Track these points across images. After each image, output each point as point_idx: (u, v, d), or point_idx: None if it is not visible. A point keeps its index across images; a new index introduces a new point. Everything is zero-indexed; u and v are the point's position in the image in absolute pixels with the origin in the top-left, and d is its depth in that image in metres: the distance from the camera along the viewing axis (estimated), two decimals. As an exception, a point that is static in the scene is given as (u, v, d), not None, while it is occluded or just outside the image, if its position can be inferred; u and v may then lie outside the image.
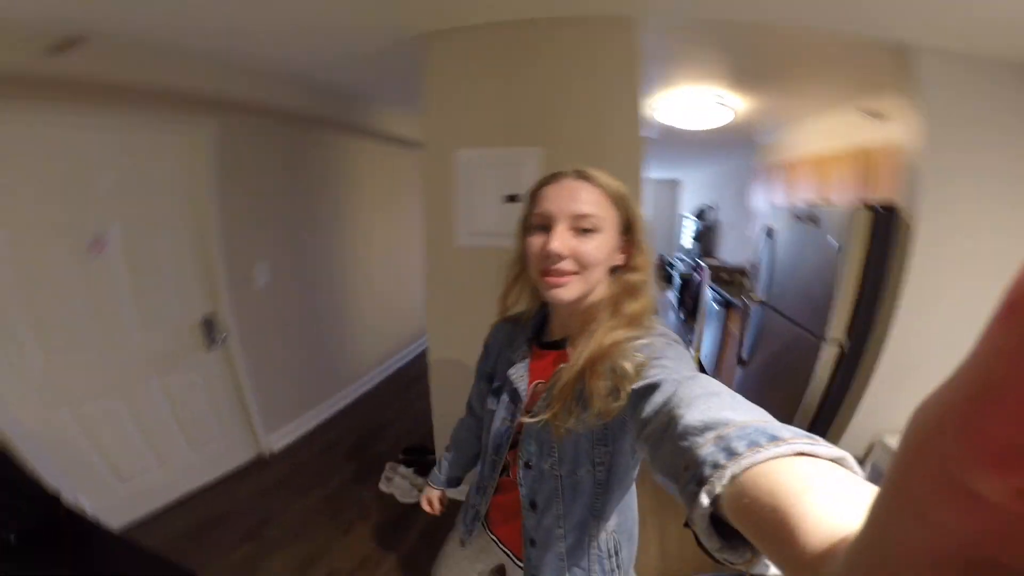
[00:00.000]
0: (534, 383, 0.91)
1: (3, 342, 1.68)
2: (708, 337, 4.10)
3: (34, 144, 1.67)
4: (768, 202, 3.60)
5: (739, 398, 0.50)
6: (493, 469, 0.98)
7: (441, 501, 1.28)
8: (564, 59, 1.70)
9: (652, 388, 0.61)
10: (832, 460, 0.37)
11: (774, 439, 0.38)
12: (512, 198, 1.77)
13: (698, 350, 4.29)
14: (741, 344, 2.81)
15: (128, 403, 2.08)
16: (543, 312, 0.97)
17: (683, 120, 2.81)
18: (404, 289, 4.28)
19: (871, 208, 1.98)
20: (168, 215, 2.14)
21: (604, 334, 0.77)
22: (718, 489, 0.38)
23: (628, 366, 0.72)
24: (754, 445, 0.38)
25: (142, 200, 2.02)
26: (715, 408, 0.46)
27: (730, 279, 4.11)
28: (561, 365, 0.82)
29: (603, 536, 0.89)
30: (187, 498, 2.32)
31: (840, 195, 2.59)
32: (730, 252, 4.84)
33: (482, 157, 1.82)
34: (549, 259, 0.77)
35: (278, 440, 2.82)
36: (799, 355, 2.20)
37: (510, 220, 1.72)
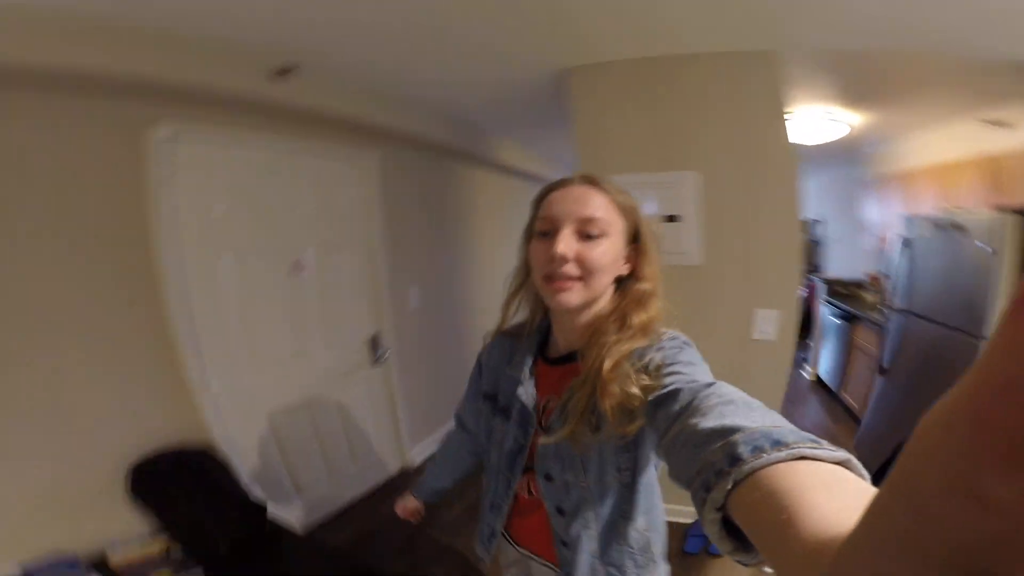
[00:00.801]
0: (545, 399, 0.91)
1: (223, 360, 1.96)
2: (826, 353, 4.06)
3: (252, 169, 1.98)
4: (885, 213, 3.60)
5: (754, 404, 0.51)
6: (508, 487, 0.98)
7: (418, 513, 1.28)
8: (711, 89, 1.89)
9: (668, 398, 0.62)
10: (836, 463, 0.38)
11: (777, 444, 0.39)
12: (671, 218, 1.96)
13: (814, 367, 4.24)
14: (881, 354, 2.82)
15: (310, 416, 2.34)
16: (545, 325, 0.96)
17: (795, 136, 2.92)
18: None
19: (1020, 213, 2.05)
20: (347, 240, 2.46)
21: (613, 346, 0.77)
22: (722, 495, 0.39)
23: (640, 378, 0.72)
24: (758, 450, 0.39)
25: (329, 225, 2.34)
26: (728, 416, 0.48)
27: (848, 292, 4.06)
28: (573, 380, 0.81)
29: (634, 535, 0.89)
30: (346, 509, 2.49)
31: (968, 202, 2.62)
32: (839, 265, 4.76)
33: (637, 181, 2.03)
34: (554, 263, 0.77)
35: (418, 454, 3.08)
36: (953, 355, 2.24)
37: (670, 238, 1.94)
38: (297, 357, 2.27)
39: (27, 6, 1.21)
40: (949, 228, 2.38)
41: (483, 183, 3.76)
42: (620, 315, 0.80)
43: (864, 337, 3.35)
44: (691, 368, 0.68)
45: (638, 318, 0.79)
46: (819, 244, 5.27)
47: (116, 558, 1.58)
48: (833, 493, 0.32)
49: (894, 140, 3.38)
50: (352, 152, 2.43)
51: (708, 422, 0.48)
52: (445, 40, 1.73)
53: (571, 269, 0.77)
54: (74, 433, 1.62)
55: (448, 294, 3.37)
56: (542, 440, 0.87)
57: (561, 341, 0.91)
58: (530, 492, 0.96)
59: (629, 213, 0.82)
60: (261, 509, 1.83)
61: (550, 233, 0.79)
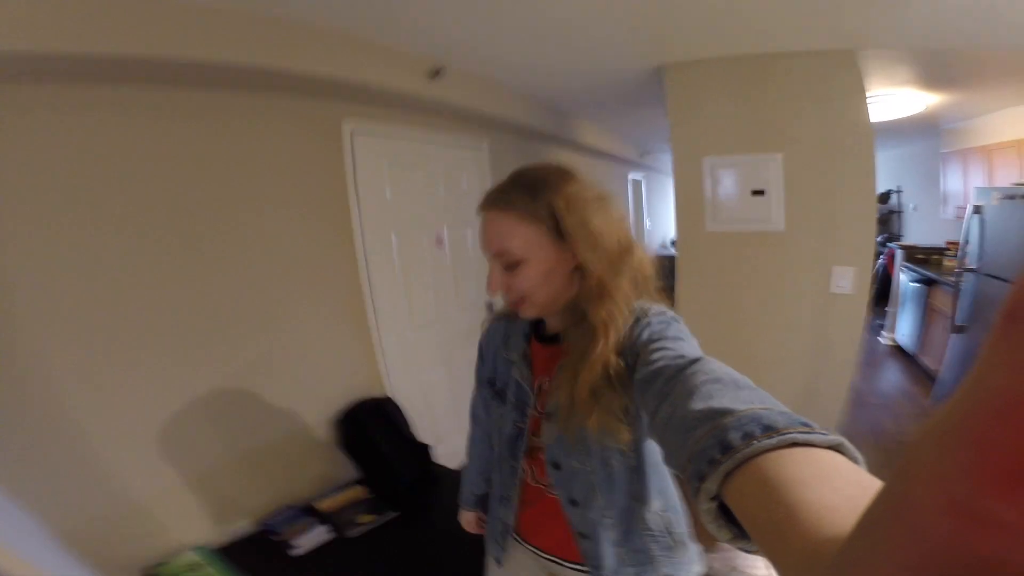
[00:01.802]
0: (539, 380, 0.92)
1: (392, 322, 2.49)
2: (905, 318, 4.30)
3: (407, 158, 2.50)
4: (963, 184, 3.80)
5: (742, 381, 0.50)
6: (512, 475, 0.97)
7: (480, 520, 1.27)
8: (798, 83, 2.24)
9: (655, 375, 0.62)
10: (828, 447, 0.37)
11: (768, 429, 0.38)
12: (758, 192, 2.34)
13: (892, 333, 4.46)
14: (954, 314, 3.09)
15: (448, 372, 2.85)
16: None
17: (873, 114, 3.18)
18: None
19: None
20: (469, 220, 2.87)
21: (591, 329, 0.77)
22: (714, 486, 0.39)
23: (628, 356, 0.74)
24: (748, 437, 0.39)
25: (456, 205, 2.85)
26: (716, 396, 0.47)
27: (926, 258, 4.26)
28: (558, 365, 0.84)
29: (652, 518, 0.89)
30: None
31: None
32: (918, 234, 4.91)
33: (727, 162, 2.41)
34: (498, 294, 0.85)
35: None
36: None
37: (755, 209, 2.33)
38: (439, 318, 2.80)
39: (250, 13, 1.56)
40: (1020, 199, 2.65)
41: (567, 162, 4.18)
42: (583, 313, 0.79)
43: (941, 300, 3.59)
44: (678, 344, 0.68)
45: (596, 315, 0.77)
46: (898, 213, 5.36)
47: (324, 505, 1.88)
48: (829, 485, 0.32)
49: (972, 117, 3.58)
50: (469, 140, 2.93)
51: (696, 403, 0.48)
52: (562, 37, 2.09)
53: (512, 296, 0.83)
54: (303, 392, 2.05)
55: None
56: (544, 435, 0.88)
57: (550, 321, 0.92)
58: (535, 479, 0.96)
59: (539, 215, 0.79)
60: (427, 450, 2.14)
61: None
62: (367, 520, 1.80)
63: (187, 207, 1.70)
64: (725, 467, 0.38)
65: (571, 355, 0.80)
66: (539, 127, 3.29)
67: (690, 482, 0.42)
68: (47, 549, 1.39)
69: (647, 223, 7.44)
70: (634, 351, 0.73)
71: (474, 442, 1.22)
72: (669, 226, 8.10)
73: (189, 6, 1.45)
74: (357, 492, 1.97)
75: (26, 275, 1.38)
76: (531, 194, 0.80)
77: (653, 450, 0.86)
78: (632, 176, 6.40)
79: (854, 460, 0.37)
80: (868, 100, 2.21)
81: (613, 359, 0.76)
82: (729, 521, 0.40)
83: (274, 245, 1.96)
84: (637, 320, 0.78)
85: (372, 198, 2.33)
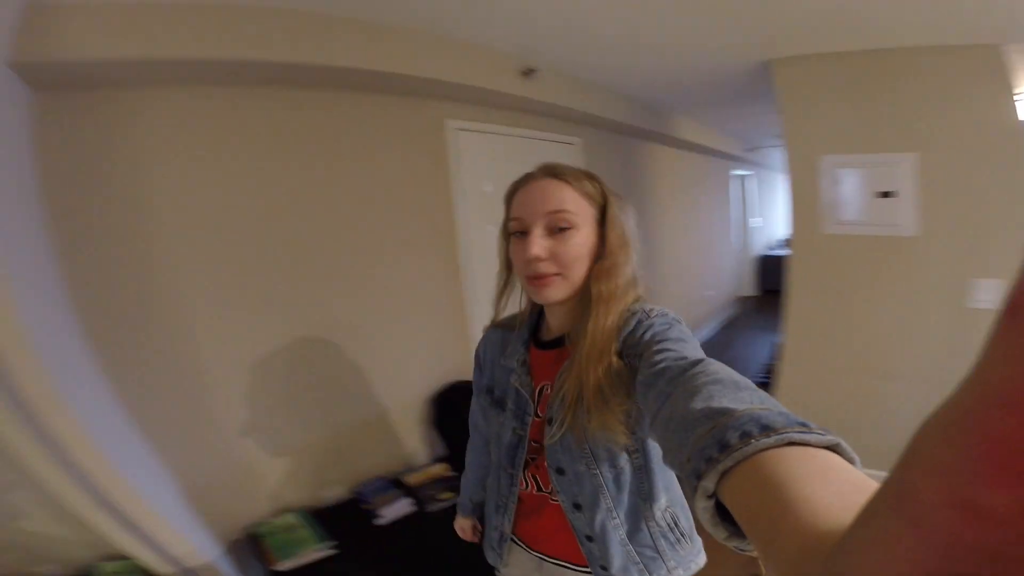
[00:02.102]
0: (540, 385, 0.91)
1: (481, 311, 2.54)
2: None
3: (503, 155, 2.55)
4: None
5: (743, 383, 0.51)
6: (511, 484, 0.96)
7: (475, 529, 1.28)
8: (929, 80, 2.04)
9: (656, 376, 0.62)
10: (825, 447, 0.37)
11: (766, 429, 0.39)
12: (886, 194, 2.15)
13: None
14: None
15: None
16: (538, 311, 0.97)
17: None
18: (695, 278, 4.92)
19: None
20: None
21: (596, 325, 0.78)
22: (712, 484, 0.39)
23: (624, 358, 0.75)
24: (746, 436, 0.39)
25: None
26: (716, 397, 0.47)
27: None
28: (562, 366, 0.83)
29: (659, 514, 0.89)
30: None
31: None
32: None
33: (849, 161, 2.23)
34: (531, 264, 0.80)
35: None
36: None
37: (882, 212, 2.14)
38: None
39: (365, 21, 1.73)
40: None
41: (663, 158, 4.09)
42: (599, 293, 0.81)
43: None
44: (680, 345, 0.69)
45: (598, 289, 0.80)
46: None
47: (410, 479, 1.98)
48: (825, 482, 0.32)
49: None
50: (563, 137, 2.93)
51: (696, 404, 0.48)
52: (656, 34, 2.07)
53: (548, 267, 0.80)
54: (402, 372, 2.18)
55: (641, 267, 3.81)
56: (547, 437, 0.86)
57: (553, 324, 0.92)
58: (539, 487, 0.94)
59: (594, 197, 0.84)
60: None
61: (523, 233, 0.82)
62: (447, 497, 1.87)
63: (305, 191, 1.88)
64: (723, 465, 0.38)
65: (577, 352, 0.80)
66: (633, 123, 3.24)
67: (688, 480, 0.42)
68: (172, 502, 1.62)
69: (755, 221, 7.03)
70: (636, 351, 0.73)
71: (473, 450, 1.22)
72: (778, 225, 7.62)
73: (312, 16, 1.62)
74: (441, 469, 2.06)
75: (169, 236, 1.62)
76: (588, 177, 0.85)
77: (657, 448, 0.83)
78: (736, 172, 6.09)
79: (850, 461, 0.37)
80: (1017, 99, 1.95)
81: (615, 360, 0.76)
82: (725, 520, 0.40)
83: (383, 234, 2.10)
84: (639, 322, 0.78)
85: (473, 191, 2.42)
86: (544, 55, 2.24)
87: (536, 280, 0.81)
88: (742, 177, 6.48)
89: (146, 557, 1.43)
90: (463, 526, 1.28)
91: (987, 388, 0.13)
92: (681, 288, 4.52)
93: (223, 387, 1.74)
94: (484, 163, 2.47)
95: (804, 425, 0.39)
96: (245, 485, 1.81)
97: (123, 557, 1.46)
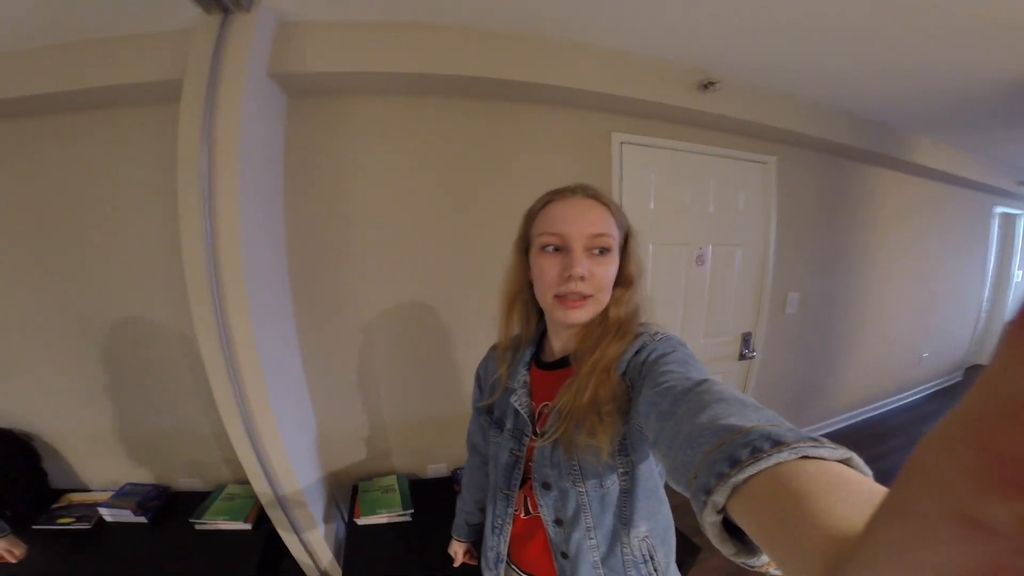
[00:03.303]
0: (540, 406, 0.91)
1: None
2: None
3: (672, 171, 2.43)
4: None
5: (748, 401, 0.50)
6: (507, 505, 0.98)
7: (468, 553, 1.31)
8: None
9: (661, 396, 0.61)
10: (838, 461, 0.37)
11: (777, 444, 0.38)
12: None
13: None
14: None
15: None
16: (541, 332, 0.97)
17: None
18: (909, 333, 4.15)
19: None
20: (741, 239, 2.74)
21: (606, 347, 0.79)
22: (722, 499, 0.38)
23: (628, 379, 0.76)
24: (757, 452, 0.38)
25: (727, 224, 2.66)
26: (722, 415, 0.47)
27: None
28: (568, 382, 0.83)
29: (635, 542, 0.87)
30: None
31: None
32: None
33: None
34: (569, 282, 0.79)
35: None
36: None
37: None
38: (684, 337, 2.67)
39: (532, 35, 1.82)
40: None
41: (885, 184, 3.45)
42: (607, 315, 0.84)
43: None
44: (685, 367, 0.68)
45: (616, 312, 0.83)
46: None
47: None
48: (839, 494, 0.32)
49: None
50: (750, 155, 2.66)
51: (702, 421, 0.48)
52: (888, 48, 1.80)
53: (584, 288, 0.80)
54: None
55: (830, 304, 3.30)
56: (537, 444, 0.88)
57: (556, 346, 0.93)
58: (528, 511, 0.96)
59: (623, 222, 0.86)
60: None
61: (560, 249, 0.81)
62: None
63: (475, 193, 2.08)
64: (734, 479, 0.38)
65: (580, 370, 0.81)
66: (848, 142, 2.82)
67: (696, 496, 0.42)
68: (306, 444, 1.93)
69: (1020, 274, 5.55)
70: (639, 372, 0.74)
71: (470, 470, 1.23)
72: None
73: (492, 34, 1.78)
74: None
75: (362, 220, 1.96)
76: (616, 204, 0.86)
77: (649, 476, 0.85)
78: (1000, 209, 4.87)
79: (864, 474, 0.36)
80: None
81: (616, 378, 0.77)
82: (732, 536, 0.41)
83: None
84: (644, 344, 0.78)
85: (635, 206, 2.37)
86: (728, 66, 2.08)
87: (570, 301, 0.80)
88: (1010, 216, 5.15)
89: (260, 487, 1.72)
90: (456, 550, 1.31)
91: (993, 401, 0.14)
92: (879, 340, 3.80)
93: (380, 354, 2.06)
94: (649, 178, 2.40)
95: (815, 440, 0.38)
96: (369, 443, 2.15)
97: (247, 482, 1.77)
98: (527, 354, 0.97)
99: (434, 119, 1.96)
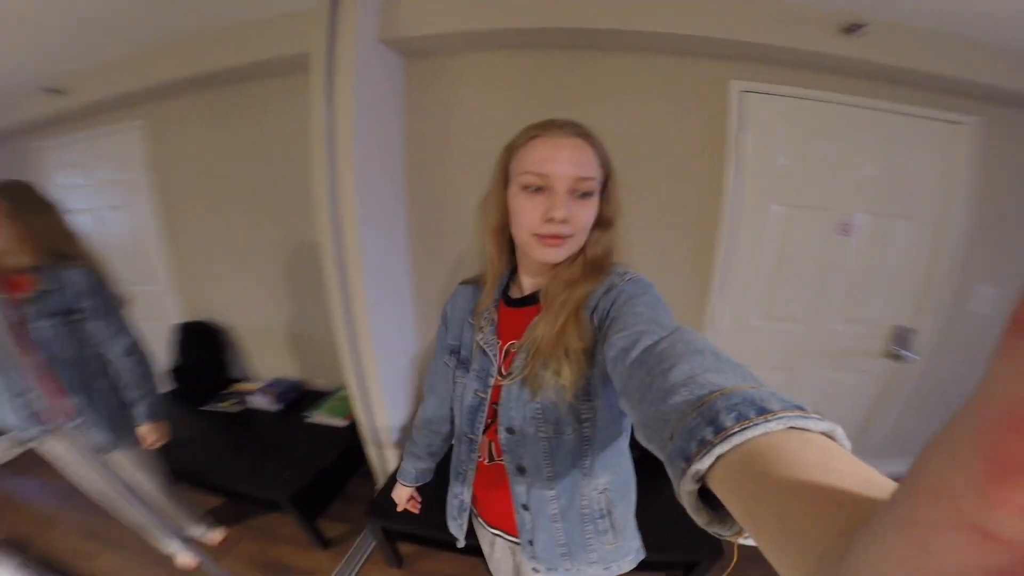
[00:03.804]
0: (507, 344, 0.89)
1: (741, 299, 2.29)
2: None
3: (814, 126, 2.11)
4: None
5: (723, 355, 0.49)
6: (471, 450, 0.96)
7: (412, 500, 1.27)
8: None
9: (630, 341, 0.60)
10: (822, 433, 0.36)
11: (763, 411, 0.37)
12: None
13: None
14: None
15: (789, 377, 2.46)
16: (511, 268, 0.95)
17: None
18: None
19: None
20: (910, 212, 2.28)
21: (576, 285, 0.80)
22: (705, 467, 0.37)
23: (597, 319, 0.75)
24: (743, 418, 0.37)
25: (890, 192, 2.23)
26: (698, 369, 0.45)
27: None
28: (534, 319, 0.82)
29: (594, 494, 0.87)
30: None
31: None
32: None
33: None
34: (549, 223, 0.77)
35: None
36: None
37: None
38: (806, 320, 2.37)
39: None
40: None
41: None
42: (578, 252, 0.83)
43: None
44: (653, 311, 0.67)
45: (592, 251, 0.83)
46: None
47: None
48: (831, 474, 0.30)
49: None
50: (935, 114, 2.17)
51: (676, 375, 0.45)
52: None
53: (564, 229, 0.78)
54: None
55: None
56: (504, 383, 0.86)
57: (526, 282, 0.92)
58: (491, 457, 0.95)
59: (606, 162, 0.83)
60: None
61: (541, 189, 0.78)
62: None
63: None
64: (719, 449, 0.36)
65: (549, 307, 0.81)
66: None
67: (673, 461, 0.40)
68: (400, 374, 2.18)
69: None
70: (607, 312, 0.73)
71: (424, 412, 1.17)
72: None
73: None
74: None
75: (464, 168, 2.15)
76: (602, 145, 0.84)
77: (612, 423, 0.84)
78: None
79: (844, 447, 0.35)
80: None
81: (584, 317, 0.77)
82: (706, 503, 0.40)
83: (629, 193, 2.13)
84: (612, 284, 0.79)
85: (757, 162, 2.14)
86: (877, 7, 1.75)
87: (551, 239, 0.79)
88: None
89: (352, 390, 2.02)
90: (400, 495, 1.26)
91: (994, 408, 0.13)
92: None
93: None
94: (778, 131, 2.13)
95: (801, 408, 0.37)
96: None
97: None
98: (496, 292, 0.95)
99: (530, 72, 2.03)
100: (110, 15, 1.87)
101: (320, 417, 2.28)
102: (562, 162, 0.77)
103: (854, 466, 0.32)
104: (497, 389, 0.90)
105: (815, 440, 0.35)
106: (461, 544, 1.09)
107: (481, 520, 1.06)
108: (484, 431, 0.94)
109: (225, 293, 2.71)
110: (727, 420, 0.37)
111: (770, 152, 2.14)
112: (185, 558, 1.96)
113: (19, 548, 2.05)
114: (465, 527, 1.04)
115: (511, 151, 0.85)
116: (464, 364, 0.97)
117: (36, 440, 1.66)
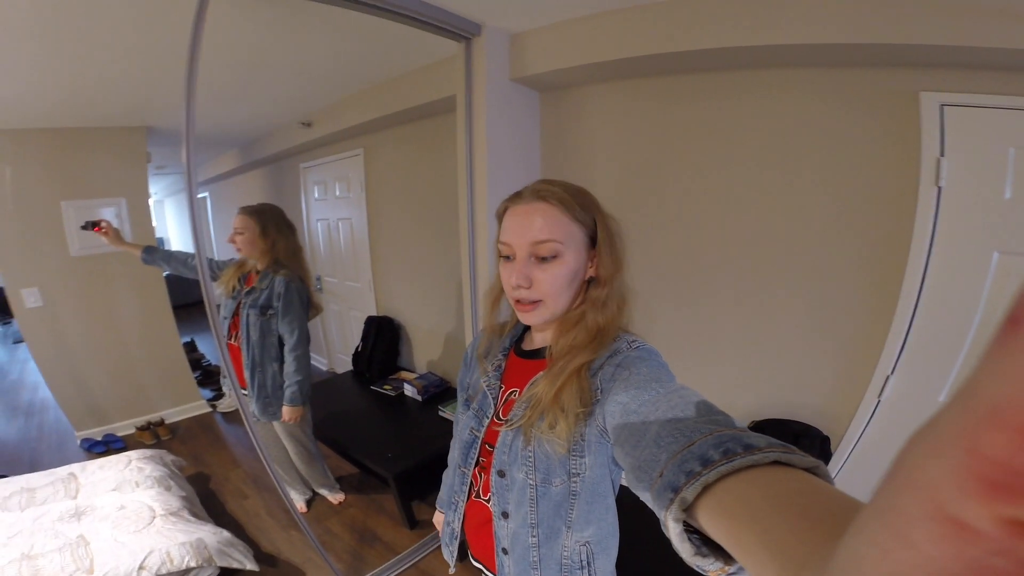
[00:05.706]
0: (508, 391, 0.94)
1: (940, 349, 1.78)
2: None
3: None
4: None
5: (716, 409, 0.51)
6: (463, 482, 1.00)
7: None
8: None
9: (630, 396, 0.64)
10: (806, 469, 0.37)
11: (749, 448, 0.39)
12: None
13: None
14: None
15: None
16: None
17: None
18: None
19: None
20: None
21: (578, 352, 0.81)
22: (691, 497, 0.38)
23: (597, 382, 0.78)
24: (729, 453, 0.39)
25: None
26: (692, 419, 0.48)
27: None
28: (537, 375, 0.86)
29: (575, 546, 0.88)
30: None
31: None
32: None
33: None
34: (517, 291, 0.82)
35: None
36: None
37: None
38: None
39: None
40: None
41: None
42: (581, 317, 0.84)
43: None
44: (656, 372, 0.70)
45: (593, 320, 0.83)
46: None
47: None
48: (811, 501, 0.31)
49: None
50: None
51: (671, 422, 0.48)
52: None
53: (530, 294, 0.82)
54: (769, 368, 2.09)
55: None
56: (502, 429, 0.88)
57: (536, 336, 0.95)
58: (478, 494, 0.98)
59: (585, 219, 0.83)
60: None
61: (510, 257, 0.83)
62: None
63: (701, 161, 2.04)
64: (705, 479, 0.38)
65: (555, 364, 0.82)
66: None
67: (660, 495, 0.42)
68: None
69: None
70: (611, 376, 0.75)
71: (452, 446, 1.19)
72: None
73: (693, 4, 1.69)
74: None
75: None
76: (578, 199, 0.84)
77: (600, 481, 0.85)
78: None
79: (830, 483, 0.37)
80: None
81: (586, 380, 0.79)
82: (691, 535, 0.41)
83: (796, 218, 1.93)
84: (617, 350, 0.80)
85: (971, 195, 1.69)
86: None
87: (521, 305, 0.84)
88: None
89: None
90: (438, 520, 1.29)
91: (978, 403, 0.13)
92: None
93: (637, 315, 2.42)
94: (1009, 155, 1.64)
95: (786, 447, 0.39)
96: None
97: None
98: (508, 340, 1.01)
99: (652, 98, 2.04)
100: (332, 67, 2.44)
101: (449, 412, 2.54)
102: (517, 230, 0.82)
103: (838, 493, 0.33)
104: (492, 431, 0.94)
105: (800, 474, 0.36)
106: (452, 571, 1.15)
107: (471, 554, 1.10)
108: (474, 467, 0.99)
109: (404, 294, 3.23)
110: (715, 455, 0.40)
111: (985, 179, 1.66)
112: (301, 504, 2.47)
113: (202, 481, 2.75)
114: (455, 554, 1.09)
115: (498, 224, 0.91)
116: (467, 402, 1.04)
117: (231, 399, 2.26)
